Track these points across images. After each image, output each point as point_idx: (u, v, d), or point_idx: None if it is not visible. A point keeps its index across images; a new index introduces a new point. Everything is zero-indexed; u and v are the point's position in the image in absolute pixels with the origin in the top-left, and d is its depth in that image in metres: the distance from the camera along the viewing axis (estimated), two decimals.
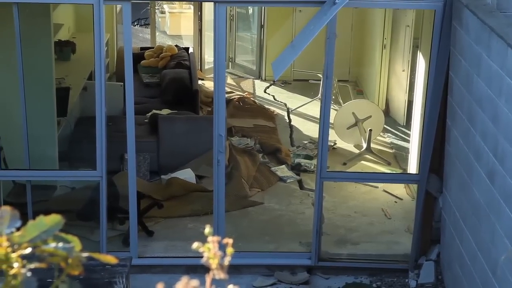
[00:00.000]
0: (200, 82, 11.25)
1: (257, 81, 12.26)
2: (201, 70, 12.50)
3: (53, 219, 1.57)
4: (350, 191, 8.41)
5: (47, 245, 1.54)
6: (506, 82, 5.02)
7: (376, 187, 8.49)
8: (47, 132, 7.73)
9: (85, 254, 1.57)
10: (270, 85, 12.04)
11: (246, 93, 11.63)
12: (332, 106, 7.53)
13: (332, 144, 9.33)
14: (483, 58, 5.51)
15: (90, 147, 6.71)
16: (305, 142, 9.77)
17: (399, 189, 8.44)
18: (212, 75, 7.21)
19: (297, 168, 9.01)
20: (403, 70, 9.65)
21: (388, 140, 9.79)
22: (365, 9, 10.63)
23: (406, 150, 8.83)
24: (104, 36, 6.43)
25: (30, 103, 6.79)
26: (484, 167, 5.45)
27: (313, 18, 6.30)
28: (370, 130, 9.18)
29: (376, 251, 7.19)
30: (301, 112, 10.79)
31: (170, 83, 10.41)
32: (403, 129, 9.73)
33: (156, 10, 14.78)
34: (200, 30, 12.60)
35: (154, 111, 9.54)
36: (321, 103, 6.73)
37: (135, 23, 16.06)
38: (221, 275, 1.58)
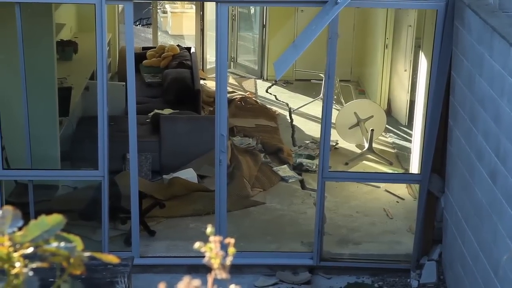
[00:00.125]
0: (202, 82, 11.25)
1: (259, 81, 12.26)
2: (203, 70, 12.50)
3: (55, 219, 1.57)
4: (352, 191, 8.40)
5: (49, 244, 1.55)
6: (508, 82, 5.02)
7: (378, 187, 8.48)
8: (49, 132, 7.74)
9: (87, 254, 1.57)
10: (272, 85, 12.04)
11: (248, 93, 11.63)
12: (334, 106, 7.52)
13: (334, 144, 9.33)
14: (485, 58, 5.50)
15: (92, 146, 6.72)
16: (307, 142, 9.77)
17: (401, 189, 8.44)
18: (214, 75, 7.21)
19: (299, 168, 9.01)
20: (405, 70, 9.65)
21: (390, 140, 9.78)
22: (367, 9, 10.62)
23: (408, 150, 8.83)
24: (106, 36, 6.43)
25: (32, 102, 6.80)
26: (486, 167, 5.45)
27: (315, 18, 6.30)
28: (372, 130, 9.17)
29: (378, 251, 7.18)
30: (303, 112, 10.79)
31: (172, 83, 10.41)
32: (405, 129, 9.72)
33: (158, 10, 14.78)
34: (202, 30, 12.60)
35: (156, 111, 9.54)
36: (323, 103, 6.73)
37: (137, 23, 16.07)
38: (223, 275, 1.58)
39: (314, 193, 7.89)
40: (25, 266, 1.52)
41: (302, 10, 11.65)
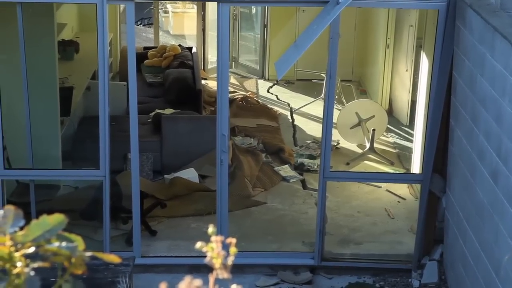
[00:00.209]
0: (203, 81, 11.25)
1: (260, 81, 12.26)
2: (204, 69, 12.50)
3: (57, 219, 1.57)
4: (353, 191, 8.40)
5: (50, 244, 1.55)
6: (510, 82, 5.02)
7: (379, 187, 8.48)
8: (50, 132, 7.74)
9: (89, 254, 1.57)
10: (273, 85, 12.04)
11: (249, 92, 11.63)
12: (335, 106, 7.52)
13: (335, 144, 9.32)
14: (486, 58, 5.50)
15: (93, 146, 6.72)
16: (308, 142, 9.77)
17: (402, 189, 8.44)
18: (215, 75, 7.21)
19: (300, 168, 9.01)
20: (407, 70, 9.65)
21: (391, 140, 9.78)
22: (368, 9, 10.62)
23: (409, 150, 8.83)
24: (108, 36, 6.43)
25: (34, 102, 6.80)
26: (487, 167, 5.44)
27: (317, 17, 6.30)
28: (373, 130, 9.17)
29: (379, 251, 7.18)
30: (304, 112, 10.79)
31: (173, 82, 10.42)
32: (406, 129, 9.72)
33: (160, 10, 14.78)
34: (204, 30, 12.60)
35: (157, 110, 9.54)
36: (324, 103, 6.73)
37: (139, 23, 16.07)
38: (224, 274, 1.58)
39: (315, 193, 7.89)
40: (27, 265, 1.52)
41: (303, 10, 11.64)
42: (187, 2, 15.50)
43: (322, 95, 10.22)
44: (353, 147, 9.54)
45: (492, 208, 5.31)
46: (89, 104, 9.02)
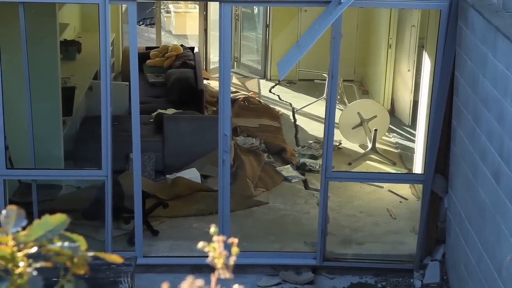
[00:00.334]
0: (205, 81, 11.25)
1: (262, 81, 12.26)
2: (206, 69, 12.50)
3: (59, 218, 1.58)
4: (355, 191, 8.40)
5: (52, 244, 1.55)
6: None
7: (381, 187, 8.48)
8: (52, 132, 7.75)
9: (91, 254, 1.57)
10: (275, 85, 12.04)
11: (251, 92, 11.63)
12: (337, 106, 7.52)
13: (337, 144, 9.32)
14: (488, 58, 5.50)
15: (95, 146, 6.72)
16: (310, 142, 9.76)
17: (404, 189, 8.43)
18: (217, 75, 7.21)
19: (302, 168, 9.01)
20: (409, 70, 9.64)
21: (393, 140, 9.78)
22: (370, 9, 10.62)
23: (411, 150, 8.82)
24: (110, 36, 6.43)
25: (36, 102, 6.80)
26: (489, 167, 5.44)
27: (319, 17, 6.30)
28: (376, 130, 9.17)
29: (381, 251, 7.18)
30: (306, 112, 10.78)
31: (176, 82, 10.42)
32: (408, 129, 9.71)
33: (162, 10, 14.79)
34: (206, 30, 12.61)
35: (160, 110, 9.55)
36: (326, 103, 6.73)
37: (141, 23, 16.08)
38: (226, 274, 1.59)
39: (317, 193, 7.88)
40: (29, 265, 1.52)
41: (305, 10, 11.64)
42: (189, 2, 15.50)
43: (324, 95, 10.21)
44: (355, 147, 9.53)
45: (494, 208, 5.31)
46: (91, 104, 9.02)
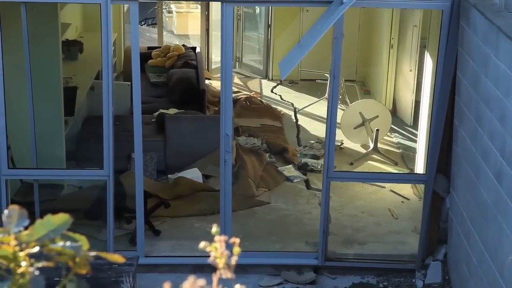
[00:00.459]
0: (207, 81, 11.26)
1: (264, 81, 12.26)
2: (208, 69, 12.51)
3: (61, 218, 1.58)
4: (357, 191, 8.40)
5: (54, 244, 1.55)
6: None
7: (383, 187, 8.48)
8: (54, 131, 7.75)
9: (93, 253, 1.57)
10: (277, 85, 12.04)
11: (253, 92, 11.63)
12: (339, 106, 7.52)
13: (339, 144, 9.32)
14: (490, 58, 5.49)
15: (97, 146, 6.73)
16: (312, 142, 9.76)
17: (406, 189, 8.43)
18: (219, 75, 7.21)
19: (304, 168, 9.01)
20: (411, 70, 9.64)
21: (395, 140, 9.78)
22: (372, 9, 10.61)
23: (413, 150, 8.82)
24: (112, 36, 6.43)
25: (38, 102, 6.81)
26: (491, 167, 5.44)
27: (320, 17, 6.30)
28: (377, 130, 9.17)
29: (383, 251, 7.18)
30: (308, 112, 10.78)
31: (177, 82, 10.42)
32: (410, 129, 9.71)
33: (164, 10, 14.79)
34: (207, 30, 12.61)
35: (161, 110, 9.55)
36: (328, 103, 6.73)
37: (143, 23, 16.09)
38: (228, 274, 1.59)
39: (319, 193, 7.88)
40: (31, 265, 1.52)
41: (307, 10, 11.64)
42: (191, 2, 15.51)
43: (326, 95, 10.21)
44: (356, 147, 9.53)
45: (496, 209, 5.31)
46: (93, 104, 9.03)
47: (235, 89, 11.14)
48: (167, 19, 15.66)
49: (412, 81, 9.52)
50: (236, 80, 11.90)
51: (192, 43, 13.93)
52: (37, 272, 1.52)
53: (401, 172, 8.77)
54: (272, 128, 10.14)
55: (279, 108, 11.03)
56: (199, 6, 13.59)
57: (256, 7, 12.55)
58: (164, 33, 14.09)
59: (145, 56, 11.10)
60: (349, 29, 9.29)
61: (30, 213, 1.60)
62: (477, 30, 5.83)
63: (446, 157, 6.64)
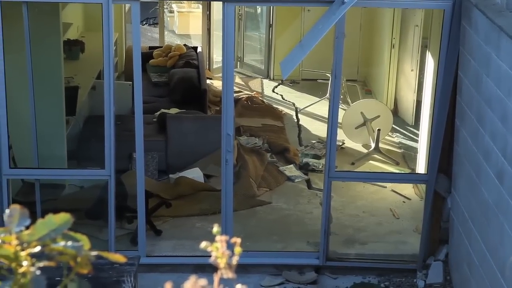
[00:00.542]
0: (208, 81, 11.26)
1: (265, 81, 12.26)
2: (209, 69, 12.51)
3: (62, 218, 1.58)
4: (358, 190, 8.40)
5: (56, 243, 1.55)
6: None
7: (385, 187, 8.47)
8: (55, 131, 7.76)
9: (94, 253, 1.57)
10: (279, 85, 12.04)
11: (254, 92, 11.63)
12: (340, 106, 7.51)
13: (340, 143, 9.32)
14: (492, 58, 5.49)
15: (98, 146, 6.73)
16: (313, 141, 9.76)
17: (407, 189, 8.43)
18: (220, 75, 7.21)
19: (305, 168, 9.01)
20: (412, 70, 9.64)
21: (396, 140, 9.77)
22: (373, 8, 10.61)
23: (414, 150, 8.82)
24: (113, 35, 6.44)
25: (39, 102, 6.81)
26: (493, 167, 5.44)
27: (322, 17, 6.30)
28: (379, 130, 9.16)
29: (384, 251, 7.17)
30: (310, 112, 10.78)
31: (179, 82, 10.42)
32: (411, 129, 9.71)
33: (165, 9, 14.80)
34: (209, 30, 12.61)
35: (163, 110, 9.55)
36: (329, 103, 6.73)
37: (144, 23, 16.09)
38: (229, 274, 1.59)
39: (320, 192, 7.88)
40: (33, 265, 1.52)
41: (308, 10, 11.64)
42: (192, 1, 15.51)
43: (327, 95, 10.21)
44: (358, 147, 9.53)
45: (498, 208, 5.31)
46: (95, 104, 9.03)
47: (237, 89, 11.13)
48: (168, 18, 15.66)
49: (413, 81, 9.52)
50: (237, 79, 11.90)
51: (194, 42, 13.93)
52: (38, 272, 1.52)
53: (402, 172, 8.76)
54: (274, 128, 10.13)
55: (281, 108, 11.03)
56: (200, 6, 13.60)
57: (258, 6, 12.54)
58: (166, 32, 14.09)
59: (146, 56, 11.10)
60: (350, 29, 9.28)
61: (32, 212, 1.59)
62: (478, 30, 5.82)
63: (447, 157, 6.64)
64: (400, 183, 8.29)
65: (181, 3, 15.54)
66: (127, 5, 11.04)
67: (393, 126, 9.71)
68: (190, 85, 10.29)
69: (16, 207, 1.58)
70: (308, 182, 8.70)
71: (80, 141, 8.63)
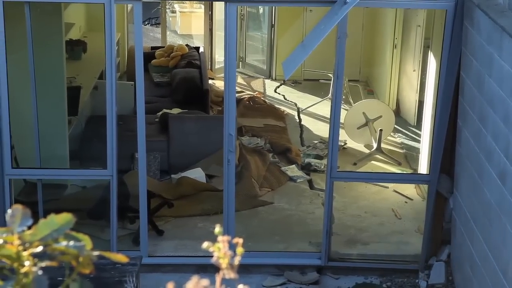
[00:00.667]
0: (210, 81, 11.26)
1: (267, 81, 12.26)
2: (211, 69, 12.51)
3: (64, 218, 1.58)
4: (360, 191, 8.39)
5: (58, 243, 1.55)
6: None
7: (387, 187, 8.47)
8: (58, 131, 7.76)
9: (96, 253, 1.57)
10: (281, 85, 12.03)
11: (256, 92, 11.63)
12: (342, 106, 7.51)
13: (343, 144, 9.32)
14: (494, 58, 5.48)
15: (100, 146, 6.73)
16: (315, 142, 9.76)
17: (409, 189, 8.42)
18: (222, 75, 7.21)
19: (307, 168, 9.01)
20: (414, 70, 9.63)
21: (398, 140, 9.77)
22: (376, 9, 10.61)
23: (416, 150, 8.81)
24: (115, 36, 6.44)
25: (41, 102, 6.82)
26: (495, 167, 5.43)
27: (324, 17, 6.30)
28: (381, 130, 9.16)
29: (386, 252, 7.17)
30: (312, 112, 10.78)
31: (181, 82, 10.43)
32: (413, 129, 9.70)
33: (167, 10, 14.80)
34: (211, 30, 12.61)
35: (165, 110, 9.55)
36: (331, 103, 6.73)
37: (146, 23, 16.09)
38: (231, 274, 1.58)
39: (322, 193, 7.88)
40: (34, 265, 1.53)
41: (310, 10, 11.64)
42: (194, 2, 15.51)
43: (330, 95, 10.21)
44: (360, 147, 9.53)
45: (500, 209, 5.30)
46: (97, 104, 9.03)
47: (239, 89, 11.14)
48: (170, 19, 15.67)
49: (415, 81, 9.52)
50: (239, 80, 11.90)
51: (196, 43, 13.94)
52: (40, 272, 1.52)
53: (404, 172, 8.76)
54: (276, 128, 10.13)
55: (283, 108, 11.03)
56: (202, 6, 13.60)
57: (260, 7, 12.54)
58: (168, 33, 14.10)
59: (148, 56, 11.10)
60: (352, 29, 9.28)
61: (34, 212, 1.60)
62: (480, 30, 5.82)
63: (449, 157, 6.64)
64: (402, 184, 8.29)
65: (183, 3, 15.55)
66: (129, 5, 11.04)
67: (395, 126, 9.71)
68: (192, 85, 10.30)
69: (18, 207, 1.58)
70: (310, 182, 8.70)
71: (82, 141, 8.64)
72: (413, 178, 8.16)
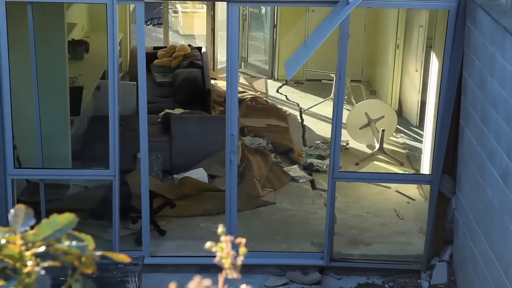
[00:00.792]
0: (212, 81, 11.26)
1: (269, 81, 12.26)
2: (213, 69, 12.51)
3: (67, 218, 1.58)
4: (363, 191, 8.39)
5: (60, 243, 1.55)
6: None
7: (389, 187, 8.46)
8: (60, 131, 7.76)
9: (98, 253, 1.57)
10: (283, 85, 12.03)
11: (258, 92, 11.63)
12: (344, 106, 7.51)
13: (345, 144, 9.31)
14: (497, 58, 5.48)
15: (103, 146, 6.73)
16: (318, 142, 9.76)
17: (411, 189, 8.42)
18: (224, 75, 7.21)
19: (309, 168, 9.00)
20: (416, 70, 9.62)
21: (401, 140, 9.76)
22: (378, 9, 10.60)
23: (419, 151, 8.81)
24: (118, 36, 6.44)
25: (44, 102, 6.82)
26: (497, 167, 5.43)
27: (326, 18, 6.29)
28: (383, 130, 9.15)
29: (389, 252, 7.17)
30: (314, 112, 10.78)
31: (183, 82, 10.43)
32: (416, 129, 9.70)
33: (169, 10, 14.80)
34: (213, 30, 12.61)
35: (167, 110, 9.56)
36: (333, 103, 6.72)
37: (148, 23, 16.10)
38: (233, 274, 1.59)
39: (324, 193, 7.87)
40: (37, 265, 1.53)
41: (313, 10, 11.63)
42: (196, 2, 15.51)
43: (332, 95, 10.20)
44: (362, 147, 9.52)
45: (502, 209, 5.30)
46: (99, 104, 9.04)
47: (241, 89, 11.13)
48: (172, 19, 15.67)
49: (418, 81, 9.51)
50: (241, 80, 11.90)
51: (198, 43, 13.94)
52: (43, 272, 1.52)
53: (406, 172, 8.76)
54: (278, 128, 10.13)
55: (285, 108, 11.02)
56: (204, 6, 13.60)
57: (262, 7, 12.54)
58: (170, 33, 14.10)
59: (151, 56, 11.11)
60: (355, 29, 9.28)
61: (36, 212, 1.60)
62: (483, 30, 5.81)
63: (452, 157, 6.63)
64: (405, 184, 8.28)
65: (186, 3, 15.55)
66: (132, 5, 11.06)
67: (398, 126, 9.70)
68: (195, 86, 10.30)
69: (20, 207, 1.59)
70: (312, 182, 8.70)
71: (84, 141, 8.64)
72: (415, 178, 8.15)
